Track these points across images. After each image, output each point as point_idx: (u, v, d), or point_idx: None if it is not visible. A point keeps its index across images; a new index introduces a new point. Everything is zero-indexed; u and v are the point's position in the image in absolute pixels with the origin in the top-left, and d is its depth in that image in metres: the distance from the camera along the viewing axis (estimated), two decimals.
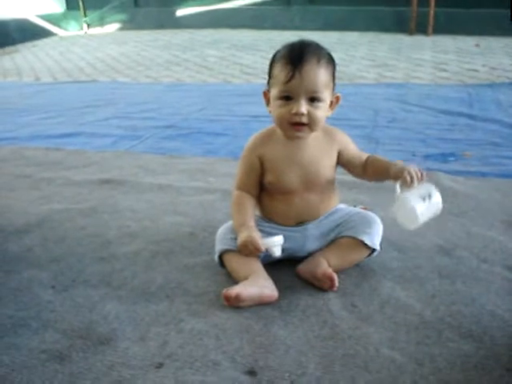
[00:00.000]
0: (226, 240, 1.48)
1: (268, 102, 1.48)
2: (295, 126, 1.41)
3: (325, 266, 1.44)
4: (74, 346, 1.24)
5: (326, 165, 1.50)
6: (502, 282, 1.46)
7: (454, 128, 2.83)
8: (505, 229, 1.75)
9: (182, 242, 1.72)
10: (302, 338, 1.25)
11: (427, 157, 2.42)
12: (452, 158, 2.39)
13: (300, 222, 1.52)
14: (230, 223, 1.53)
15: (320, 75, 1.38)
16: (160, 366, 1.17)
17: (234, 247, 1.45)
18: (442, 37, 6.02)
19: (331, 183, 1.54)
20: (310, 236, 1.52)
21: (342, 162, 1.52)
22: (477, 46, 5.42)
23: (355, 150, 1.54)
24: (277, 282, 1.42)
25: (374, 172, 1.49)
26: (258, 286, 1.37)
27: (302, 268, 1.48)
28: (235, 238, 1.44)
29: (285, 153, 1.48)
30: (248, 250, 1.38)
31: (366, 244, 1.47)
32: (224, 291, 1.36)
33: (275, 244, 1.39)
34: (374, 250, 1.50)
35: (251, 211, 1.48)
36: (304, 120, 1.39)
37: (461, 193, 2.02)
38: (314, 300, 1.39)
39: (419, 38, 6.08)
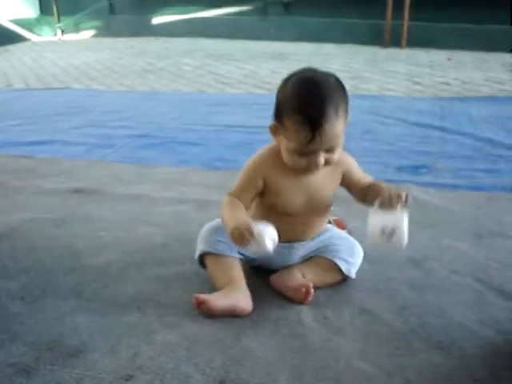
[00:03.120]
0: (210, 242, 1.46)
1: (275, 136, 1.38)
2: (311, 169, 1.35)
3: (300, 277, 1.44)
4: (42, 359, 1.22)
5: (331, 190, 1.48)
6: (471, 293, 1.48)
7: (427, 140, 2.87)
8: (475, 241, 1.78)
9: (155, 253, 1.70)
10: (274, 350, 1.25)
11: (399, 169, 2.45)
12: (424, 170, 2.43)
13: (290, 241, 1.50)
14: (215, 223, 1.49)
15: (338, 128, 1.29)
16: (130, 378, 1.15)
17: (217, 250, 1.43)
18: (415, 50, 6.12)
19: (331, 205, 1.52)
20: (296, 253, 1.52)
21: (344, 184, 1.50)
22: (449, 59, 5.52)
23: (359, 174, 1.50)
24: (249, 291, 1.41)
25: (372, 194, 1.45)
26: (233, 298, 1.36)
27: (276, 279, 1.48)
28: (219, 241, 1.43)
29: (291, 178, 1.41)
30: (239, 233, 1.27)
31: (342, 271, 1.48)
32: (195, 296, 1.35)
33: (269, 235, 1.28)
34: (348, 277, 1.51)
35: (244, 212, 1.39)
36: (321, 167, 1.34)
37: (432, 205, 2.05)
38: (285, 311, 1.39)
39: (393, 51, 6.17)
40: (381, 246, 1.37)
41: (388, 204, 1.33)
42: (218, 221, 1.49)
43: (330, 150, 1.31)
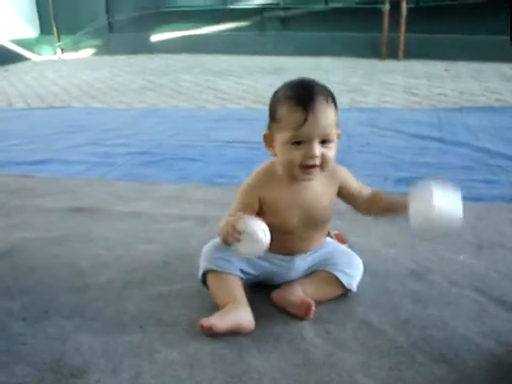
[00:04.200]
0: (212, 259, 1.47)
1: (269, 145, 1.41)
2: (307, 169, 1.35)
3: (301, 293, 1.44)
4: (45, 380, 1.21)
5: (328, 204, 1.48)
6: (473, 305, 1.48)
7: (425, 152, 2.88)
8: (475, 252, 1.78)
9: (155, 271, 1.71)
10: (276, 366, 1.24)
11: (399, 181, 2.46)
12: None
13: (290, 253, 1.51)
14: (216, 241, 1.50)
15: (330, 116, 1.34)
16: None
17: (219, 267, 1.44)
18: (413, 62, 6.15)
19: (330, 219, 1.53)
20: (297, 266, 1.52)
21: (342, 196, 1.50)
22: (446, 70, 5.54)
23: (356, 185, 1.50)
24: (251, 308, 1.41)
25: (380, 209, 1.48)
26: (235, 316, 1.36)
27: (277, 295, 1.48)
28: (221, 258, 1.44)
29: (287, 195, 1.43)
30: (229, 226, 1.29)
31: (343, 284, 1.49)
32: (200, 321, 1.35)
33: (260, 227, 1.27)
34: (349, 290, 1.51)
35: None
36: (317, 162, 1.34)
37: None
38: (287, 327, 1.39)
39: (391, 63, 6.20)
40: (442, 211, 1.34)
41: None
42: (218, 240, 1.51)
43: (324, 142, 1.33)
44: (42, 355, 1.30)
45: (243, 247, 1.29)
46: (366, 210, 1.50)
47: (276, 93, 1.41)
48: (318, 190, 1.44)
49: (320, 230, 1.53)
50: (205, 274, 1.49)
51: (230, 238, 1.29)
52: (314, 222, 1.48)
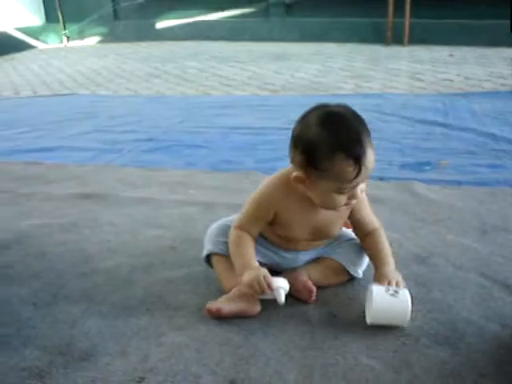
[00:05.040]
0: (217, 243, 1.49)
1: (304, 187, 1.33)
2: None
3: (305, 277, 1.46)
4: (55, 363, 1.24)
5: (338, 224, 1.49)
6: (477, 288, 1.49)
7: (430, 137, 2.88)
8: (479, 236, 1.79)
9: (163, 256, 1.73)
10: (282, 349, 1.26)
11: (403, 166, 2.47)
12: (428, 167, 2.44)
13: (295, 249, 1.53)
14: (221, 222, 1.53)
15: (373, 155, 1.27)
16: (141, 380, 1.17)
17: (224, 251, 1.46)
18: (418, 47, 6.11)
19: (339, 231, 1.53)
20: (303, 259, 1.54)
21: (351, 219, 1.50)
22: (451, 55, 5.51)
23: (366, 215, 1.49)
24: None
25: (367, 252, 1.50)
26: (241, 300, 1.38)
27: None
28: (226, 242, 1.45)
29: (302, 215, 1.41)
30: (259, 285, 1.31)
31: (350, 272, 1.50)
32: (206, 305, 1.37)
33: (282, 286, 1.33)
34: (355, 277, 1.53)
35: (252, 252, 1.40)
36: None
37: (436, 201, 2.06)
38: (293, 310, 1.41)
39: (395, 49, 6.17)
40: (386, 308, 1.33)
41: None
42: (224, 221, 1.53)
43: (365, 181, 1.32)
44: (51, 339, 1.33)
45: (264, 297, 1.35)
46: (360, 242, 1.53)
47: (309, 129, 1.27)
48: (333, 214, 1.42)
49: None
50: (209, 256, 1.51)
51: (259, 293, 1.32)
52: (323, 237, 1.50)
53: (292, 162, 1.33)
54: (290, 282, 1.45)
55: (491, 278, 1.54)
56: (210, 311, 1.36)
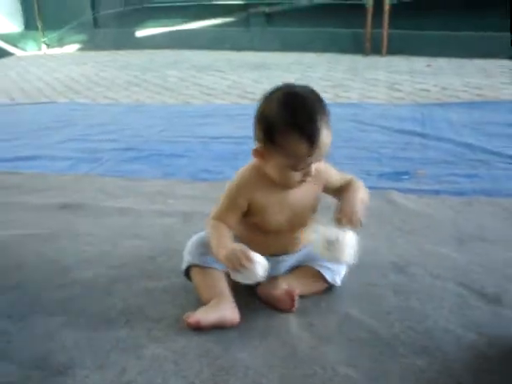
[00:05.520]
0: (196, 254, 1.48)
1: (261, 158, 1.39)
2: (303, 182, 1.39)
3: (285, 286, 1.46)
4: (32, 378, 1.22)
5: (313, 204, 1.50)
6: (454, 298, 1.51)
7: (408, 147, 2.91)
8: (457, 246, 1.81)
9: (142, 267, 1.72)
10: (261, 360, 1.27)
11: (381, 175, 2.49)
12: (406, 177, 2.46)
13: (277, 254, 1.53)
14: (201, 235, 1.52)
15: (329, 139, 1.32)
16: None
17: (204, 263, 1.46)
18: (396, 57, 6.18)
19: (314, 217, 1.54)
20: (282, 266, 1.54)
21: (328, 193, 1.52)
22: (428, 66, 5.58)
23: (337, 180, 1.51)
24: (236, 302, 1.43)
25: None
26: (220, 311, 1.38)
27: (262, 289, 1.50)
28: (206, 254, 1.45)
29: (275, 197, 1.44)
30: (235, 256, 1.30)
31: (327, 280, 1.51)
32: (185, 317, 1.37)
33: (262, 262, 1.32)
34: (333, 285, 1.53)
35: (229, 235, 1.41)
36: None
37: (414, 211, 2.08)
38: (272, 321, 1.41)
39: (374, 59, 6.23)
40: (324, 256, 1.39)
41: (342, 222, 1.37)
42: (203, 233, 1.52)
43: (319, 160, 1.36)
44: (27, 353, 1.31)
45: (241, 277, 1.32)
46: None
47: (269, 106, 1.33)
48: (305, 190, 1.45)
49: (305, 228, 1.53)
50: (188, 269, 1.50)
51: (237, 265, 1.30)
52: (300, 222, 1.50)
53: (254, 137, 1.39)
54: (270, 293, 1.46)
55: (468, 287, 1.55)
56: (188, 324, 1.35)
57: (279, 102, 1.32)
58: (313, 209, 1.51)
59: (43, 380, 1.21)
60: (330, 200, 1.52)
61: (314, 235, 1.38)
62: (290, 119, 1.28)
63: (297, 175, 1.35)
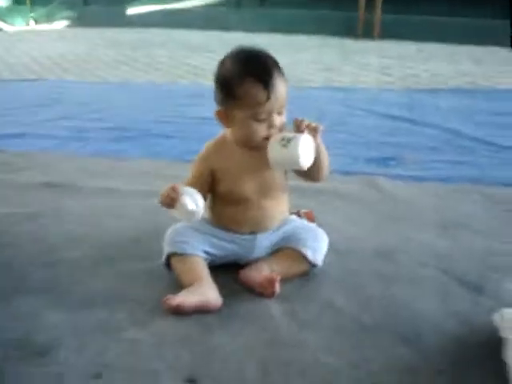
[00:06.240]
0: (174, 243, 1.49)
1: (224, 120, 1.45)
2: (268, 138, 1.41)
3: (267, 271, 1.46)
4: (10, 358, 1.21)
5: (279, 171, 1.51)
6: (437, 285, 1.52)
7: (396, 132, 2.92)
8: (440, 232, 1.82)
9: (126, 248, 1.71)
10: (242, 345, 1.26)
11: (369, 160, 2.49)
12: (393, 162, 2.47)
13: (252, 231, 1.53)
14: (176, 226, 1.52)
15: (285, 88, 1.40)
16: (98, 376, 1.16)
17: (182, 249, 1.46)
18: (387, 42, 6.17)
19: (285, 189, 1.56)
20: (260, 245, 1.54)
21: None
22: (419, 51, 5.57)
23: None
24: (218, 288, 1.42)
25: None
26: (202, 294, 1.38)
27: (244, 274, 1.50)
28: (183, 241, 1.46)
29: (239, 163, 1.48)
30: (165, 191, 1.37)
31: (308, 259, 1.51)
32: (165, 299, 1.36)
33: (190, 195, 1.36)
34: (315, 265, 1.53)
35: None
36: (277, 131, 1.41)
37: (399, 197, 2.09)
38: (254, 306, 1.41)
39: (365, 43, 6.21)
40: (279, 160, 1.40)
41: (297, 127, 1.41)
42: (180, 224, 1.52)
43: (280, 113, 1.41)
44: (8, 332, 1.30)
45: (177, 213, 1.38)
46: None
47: (224, 66, 1.43)
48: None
49: (277, 200, 1.54)
50: (169, 259, 1.50)
51: (167, 199, 1.36)
52: (268, 188, 1.51)
53: (216, 101, 1.46)
54: (251, 277, 1.46)
55: (451, 275, 1.56)
56: (169, 306, 1.35)
57: (233, 59, 1.42)
58: (279, 178, 1.51)
59: (22, 360, 1.20)
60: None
61: (272, 138, 1.40)
62: (244, 69, 1.38)
63: (261, 128, 1.40)
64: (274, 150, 1.39)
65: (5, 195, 2.13)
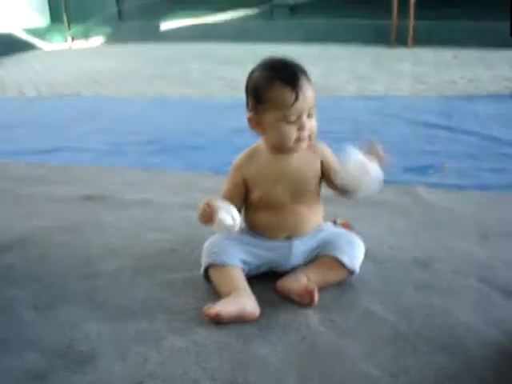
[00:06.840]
0: (212, 254, 1.50)
1: (256, 126, 1.49)
2: (300, 141, 1.45)
3: (305, 280, 1.46)
4: (55, 366, 1.25)
5: (312, 175, 1.52)
6: (476, 293, 1.49)
7: (433, 140, 2.88)
8: (480, 241, 1.79)
9: (164, 259, 1.73)
10: (281, 355, 1.27)
11: (406, 169, 2.46)
12: (431, 171, 2.44)
13: (288, 237, 1.54)
14: (212, 238, 1.54)
15: (312, 91, 1.44)
16: None
17: (219, 260, 1.48)
18: (422, 49, 6.10)
19: (318, 195, 1.57)
20: (296, 251, 1.54)
21: (322, 171, 1.54)
22: (455, 57, 5.50)
23: (334, 160, 1.54)
24: (256, 298, 1.43)
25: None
26: (240, 303, 1.38)
27: (282, 283, 1.50)
28: (220, 252, 1.48)
29: (271, 168, 1.50)
30: (202, 210, 1.40)
31: (345, 265, 1.50)
32: (205, 309, 1.38)
33: (225, 209, 1.39)
34: (353, 272, 1.53)
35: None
36: (308, 134, 1.45)
37: (438, 206, 2.06)
38: (292, 316, 1.41)
39: (399, 51, 6.16)
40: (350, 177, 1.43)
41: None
42: (216, 235, 1.54)
43: (310, 115, 1.44)
44: (52, 342, 1.33)
45: (215, 226, 1.40)
46: (339, 187, 1.52)
47: (254, 74, 1.48)
48: (300, 161, 1.51)
49: (310, 205, 1.55)
50: (207, 270, 1.52)
51: (204, 216, 1.40)
52: (300, 193, 1.52)
53: (247, 109, 1.50)
54: (289, 287, 1.46)
55: (491, 283, 1.53)
56: (208, 315, 1.36)
57: (261, 67, 1.47)
58: (313, 180, 1.53)
59: (66, 369, 1.23)
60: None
61: (346, 154, 1.43)
62: (272, 74, 1.42)
63: (292, 130, 1.42)
64: (345, 171, 1.44)
65: (44, 208, 2.18)
